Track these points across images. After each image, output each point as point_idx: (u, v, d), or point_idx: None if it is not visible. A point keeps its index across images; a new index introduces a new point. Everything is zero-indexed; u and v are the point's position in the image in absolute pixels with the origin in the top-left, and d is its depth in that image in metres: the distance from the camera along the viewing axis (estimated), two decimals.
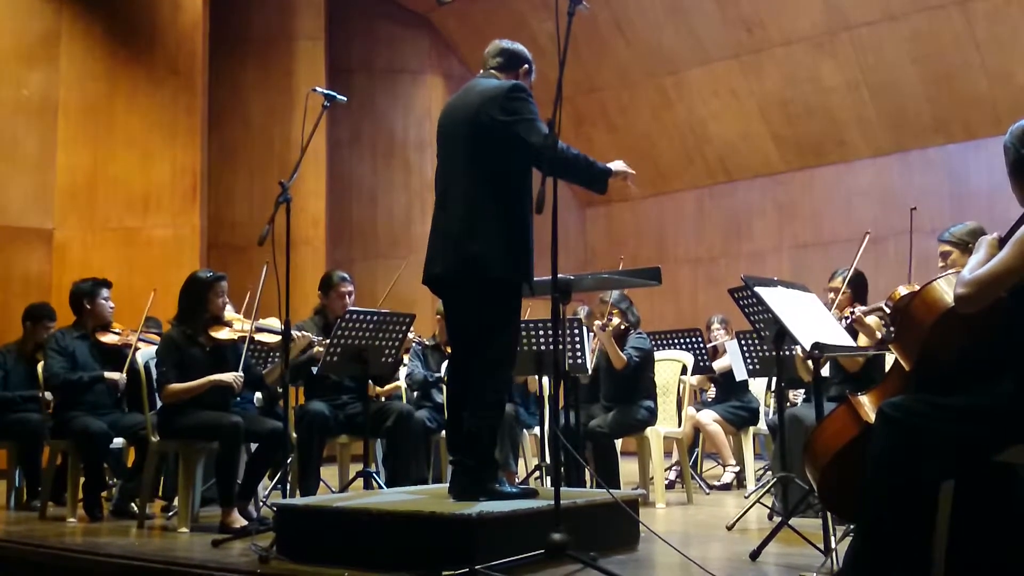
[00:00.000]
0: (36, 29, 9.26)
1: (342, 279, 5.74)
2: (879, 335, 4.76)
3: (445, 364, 6.44)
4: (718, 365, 7.22)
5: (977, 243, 2.88)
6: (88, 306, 5.72)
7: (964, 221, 4.38)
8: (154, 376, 5.03)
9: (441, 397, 6.44)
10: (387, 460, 5.73)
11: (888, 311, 4.29)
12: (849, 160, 10.51)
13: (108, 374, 5.58)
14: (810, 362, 4.06)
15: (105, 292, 5.79)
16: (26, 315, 6.35)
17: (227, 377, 4.89)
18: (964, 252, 4.10)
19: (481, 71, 4.06)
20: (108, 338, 5.72)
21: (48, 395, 5.78)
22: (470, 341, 3.87)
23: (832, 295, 5.12)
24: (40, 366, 5.75)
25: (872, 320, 4.85)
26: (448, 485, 3.89)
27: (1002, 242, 2.77)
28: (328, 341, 5.10)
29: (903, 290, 3.29)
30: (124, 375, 5.57)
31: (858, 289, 5.13)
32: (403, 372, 6.57)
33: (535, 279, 3.86)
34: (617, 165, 3.90)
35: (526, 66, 4.04)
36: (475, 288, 3.76)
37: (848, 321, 4.70)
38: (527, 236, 3.78)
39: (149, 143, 9.27)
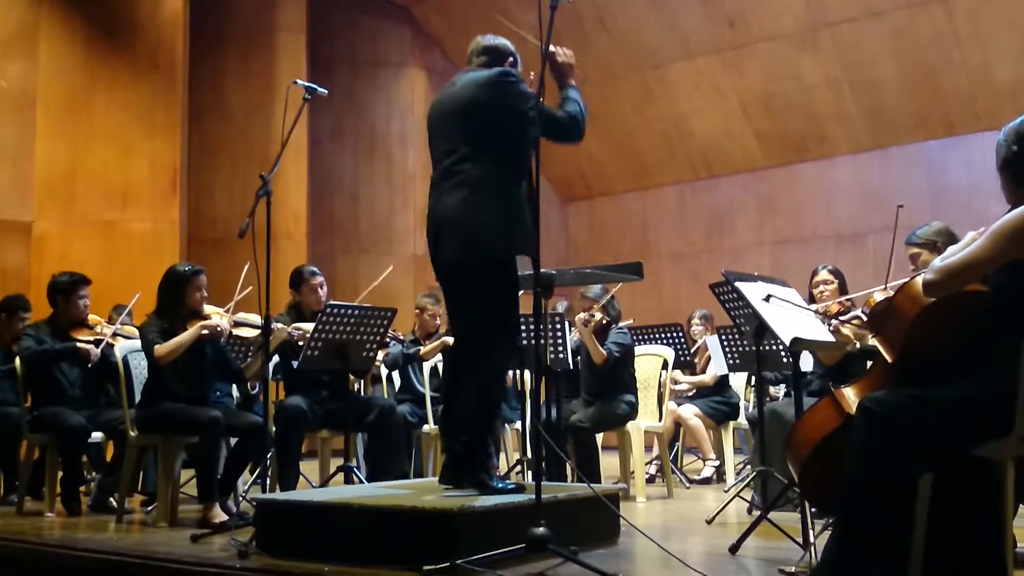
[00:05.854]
0: (14, 20, 9.16)
1: (312, 273, 5.64)
2: (858, 344, 4.80)
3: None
4: (702, 365, 7.25)
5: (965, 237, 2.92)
6: (63, 303, 5.66)
7: (944, 218, 4.42)
8: (137, 371, 5.01)
9: (422, 388, 6.43)
10: (368, 454, 5.71)
11: (864, 318, 4.32)
12: (830, 156, 10.55)
13: (80, 344, 5.47)
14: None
15: (83, 290, 5.69)
16: (0, 307, 6.26)
17: (212, 320, 4.89)
18: (932, 252, 4.14)
19: (466, 67, 4.04)
20: (82, 335, 5.62)
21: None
22: (468, 322, 3.85)
23: (822, 287, 5.18)
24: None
25: (849, 329, 4.88)
26: (439, 474, 3.91)
27: None
28: (309, 335, 5.08)
29: (879, 296, 3.31)
30: (97, 349, 5.47)
31: (842, 281, 5.23)
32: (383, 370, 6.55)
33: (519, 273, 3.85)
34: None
35: (511, 59, 4.04)
36: (474, 269, 3.72)
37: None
38: (523, 213, 3.70)
39: (129, 136, 9.18)
